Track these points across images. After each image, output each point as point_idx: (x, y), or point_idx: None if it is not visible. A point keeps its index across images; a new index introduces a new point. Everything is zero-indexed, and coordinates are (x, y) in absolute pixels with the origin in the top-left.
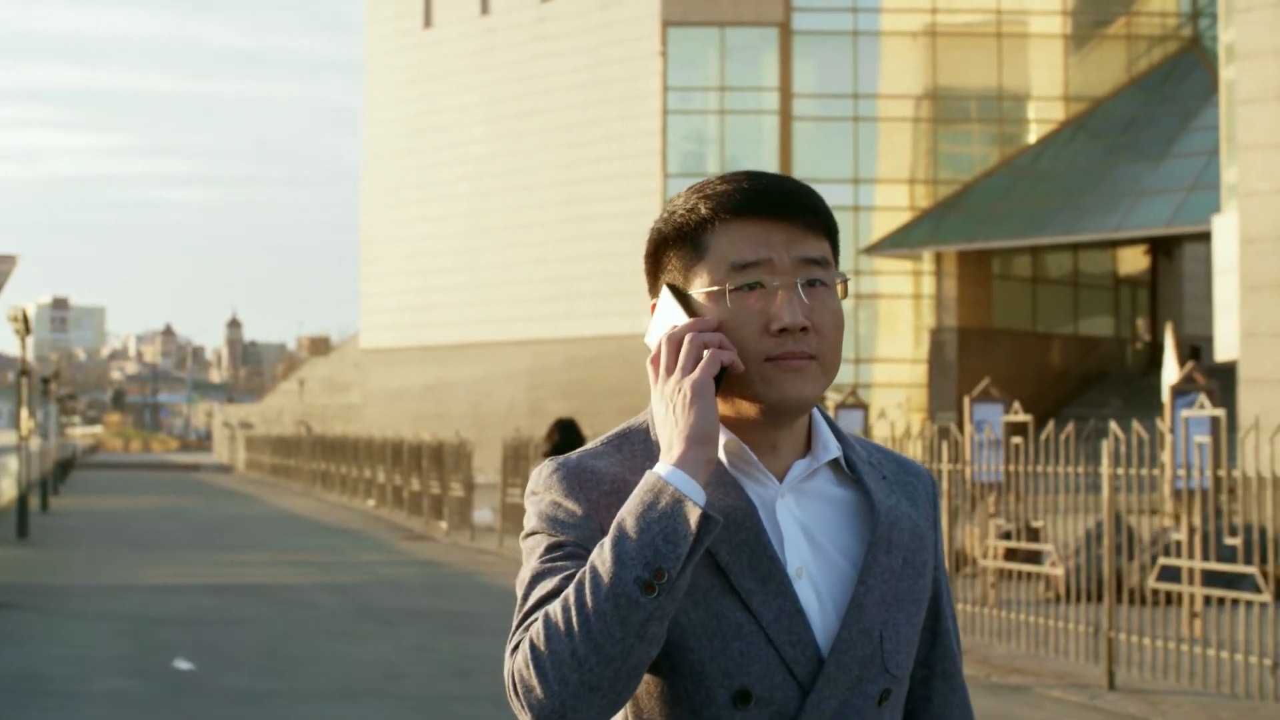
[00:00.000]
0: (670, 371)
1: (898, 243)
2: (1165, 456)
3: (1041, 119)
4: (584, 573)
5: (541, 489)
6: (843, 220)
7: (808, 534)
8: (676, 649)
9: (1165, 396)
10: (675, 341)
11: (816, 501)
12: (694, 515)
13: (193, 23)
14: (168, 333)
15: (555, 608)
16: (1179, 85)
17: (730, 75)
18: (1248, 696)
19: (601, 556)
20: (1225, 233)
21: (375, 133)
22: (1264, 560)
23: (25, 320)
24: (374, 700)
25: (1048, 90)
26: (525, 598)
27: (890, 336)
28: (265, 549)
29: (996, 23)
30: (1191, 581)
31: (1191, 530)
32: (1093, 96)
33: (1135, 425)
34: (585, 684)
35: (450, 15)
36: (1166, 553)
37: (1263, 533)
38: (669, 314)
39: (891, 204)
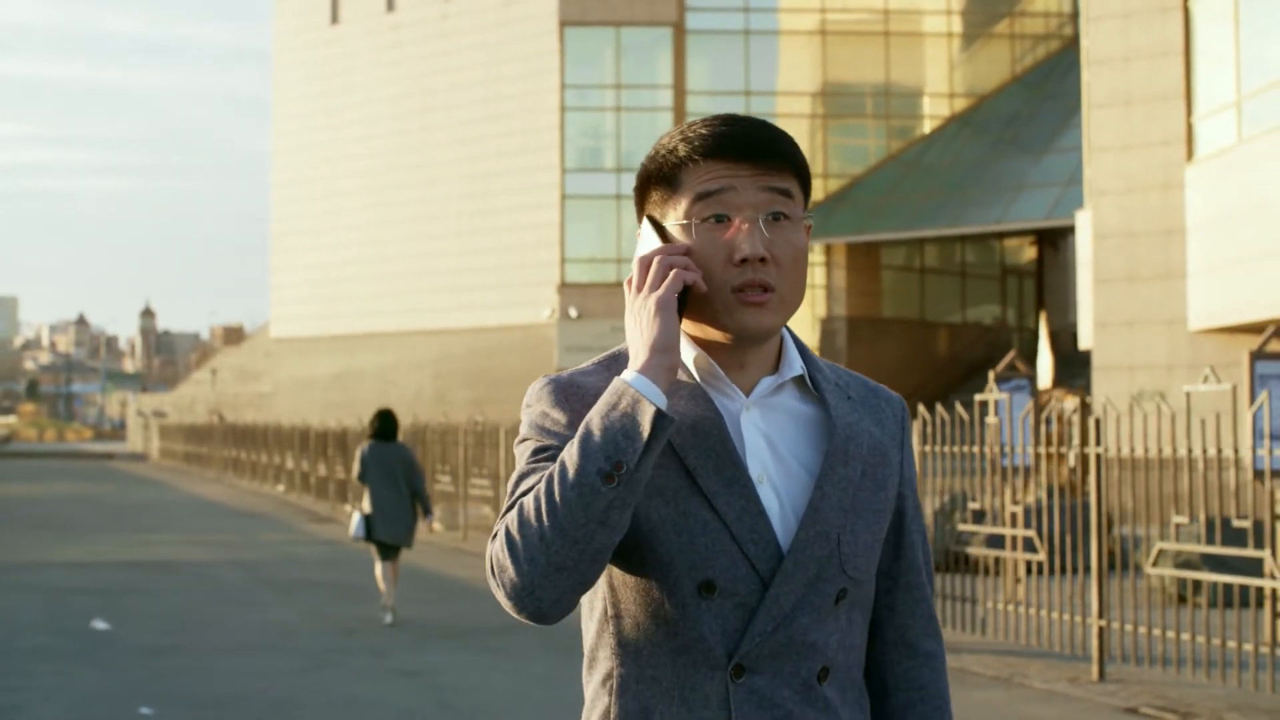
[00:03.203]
0: (640, 290)
1: None
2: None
3: (928, 115)
4: (554, 467)
5: (534, 401)
6: None
7: (770, 444)
8: (648, 543)
9: (1042, 383)
10: (645, 263)
11: (780, 415)
12: (649, 413)
13: (98, 11)
14: (81, 322)
15: (529, 499)
16: (1060, 83)
17: (626, 73)
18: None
19: (569, 452)
20: (1085, 228)
21: (284, 125)
22: (1037, 526)
23: None
24: (269, 653)
25: (935, 87)
26: (511, 493)
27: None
28: (176, 531)
29: (884, 22)
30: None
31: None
32: (978, 93)
33: (958, 408)
34: (552, 564)
35: (357, 11)
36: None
37: (1039, 503)
38: (647, 242)
39: None
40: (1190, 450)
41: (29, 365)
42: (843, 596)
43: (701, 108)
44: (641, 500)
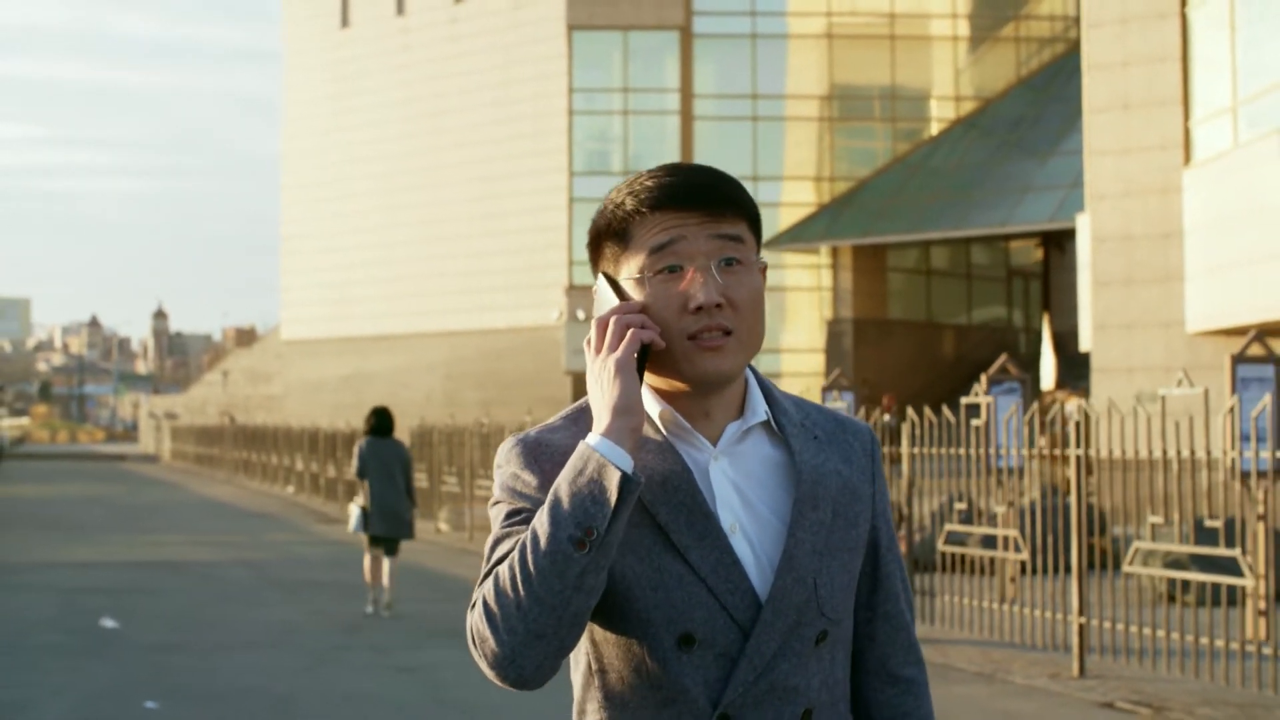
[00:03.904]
0: (599, 351)
1: (795, 237)
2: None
3: (934, 118)
4: (526, 535)
5: (504, 462)
6: None
7: (740, 493)
8: (625, 600)
9: (1045, 384)
10: (603, 324)
11: (749, 462)
12: (614, 478)
13: (109, 13)
14: (93, 324)
15: (504, 569)
16: (1065, 86)
17: (633, 77)
18: (1040, 647)
19: (540, 520)
20: (1085, 231)
21: (294, 128)
22: (1021, 526)
23: None
24: (272, 650)
25: (940, 90)
26: (487, 559)
27: (792, 328)
28: (185, 531)
29: (890, 25)
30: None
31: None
32: (984, 96)
33: (945, 410)
34: (531, 632)
35: (367, 15)
36: (965, 522)
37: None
38: (604, 299)
39: (789, 200)
40: (1165, 452)
41: (41, 367)
42: (823, 638)
43: (709, 111)
44: (616, 558)
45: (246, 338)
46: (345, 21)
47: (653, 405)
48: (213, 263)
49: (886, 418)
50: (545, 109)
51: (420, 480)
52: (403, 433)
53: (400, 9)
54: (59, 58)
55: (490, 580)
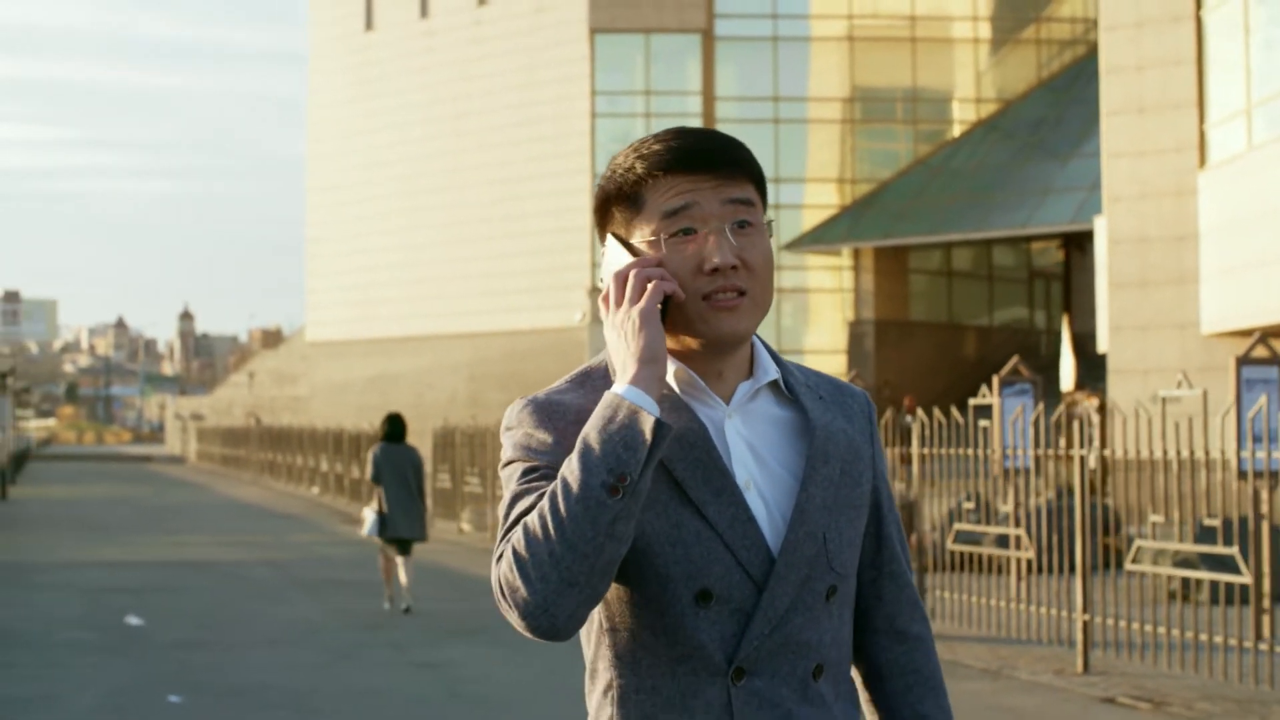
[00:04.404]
0: (619, 303)
1: (817, 239)
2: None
3: (955, 120)
4: (556, 484)
5: (515, 423)
6: None
7: (753, 450)
8: (644, 556)
9: (1065, 385)
10: (622, 277)
11: (760, 421)
12: (648, 423)
13: (137, 14)
14: (120, 325)
15: (533, 517)
16: (1085, 88)
17: (655, 80)
18: (1038, 641)
19: (570, 467)
20: (1102, 233)
21: (319, 130)
22: (1028, 526)
23: None
24: (292, 647)
25: (961, 92)
26: (507, 515)
27: (814, 329)
28: (210, 532)
29: (911, 28)
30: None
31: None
32: (1004, 98)
33: (953, 411)
34: (564, 580)
35: (391, 18)
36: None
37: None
38: (616, 258)
39: (811, 202)
40: (1165, 452)
41: (68, 368)
42: (832, 593)
43: (731, 114)
44: None
45: (273, 339)
46: (369, 24)
47: (668, 364)
48: (239, 264)
49: (909, 418)
50: (567, 111)
51: (443, 481)
52: (425, 434)
53: (424, 12)
54: (89, 61)
55: (519, 530)
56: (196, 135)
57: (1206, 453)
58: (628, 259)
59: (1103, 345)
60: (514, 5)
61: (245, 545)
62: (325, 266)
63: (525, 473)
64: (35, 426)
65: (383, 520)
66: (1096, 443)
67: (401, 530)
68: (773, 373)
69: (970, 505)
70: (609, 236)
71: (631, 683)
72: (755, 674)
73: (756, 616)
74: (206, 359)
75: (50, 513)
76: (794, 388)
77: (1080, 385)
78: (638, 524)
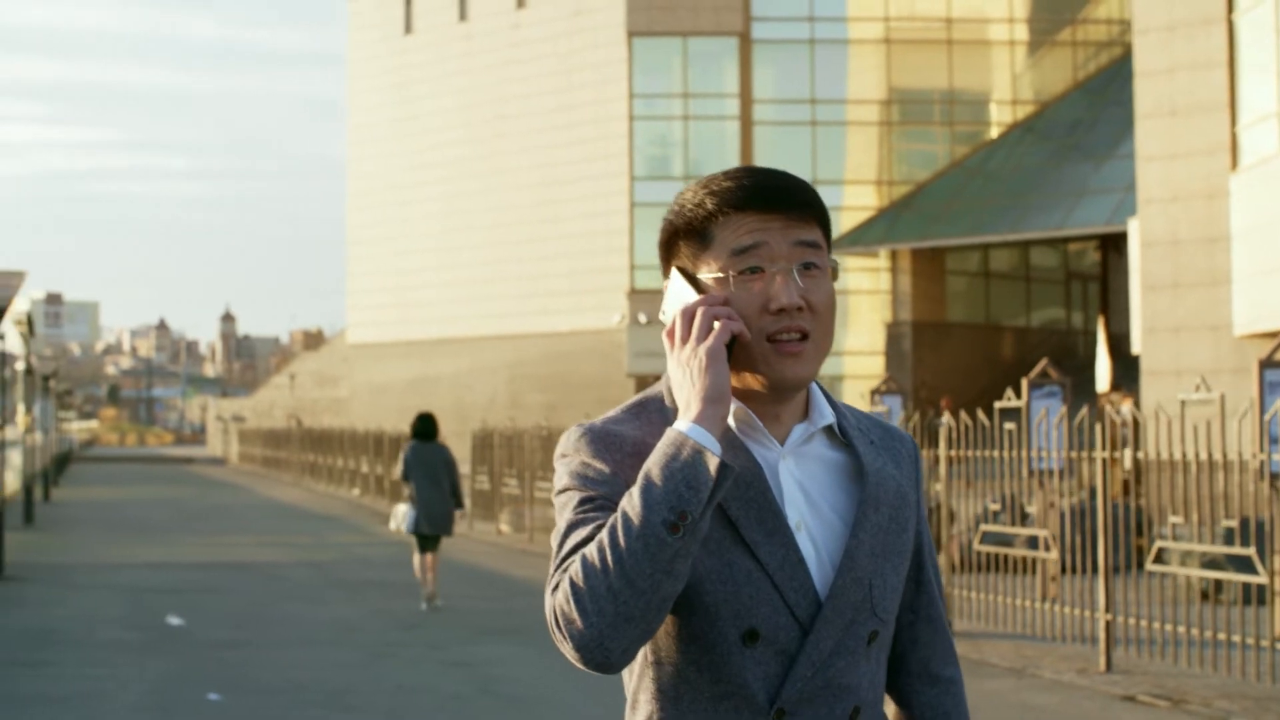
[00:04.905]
0: (685, 340)
1: (855, 241)
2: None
3: (992, 121)
4: (615, 518)
5: (571, 451)
6: None
7: (805, 492)
8: (694, 593)
9: (1100, 387)
10: (689, 314)
11: (813, 463)
12: (713, 464)
13: (177, 15)
14: (161, 327)
15: (591, 549)
16: (1121, 90)
17: (693, 82)
18: (1057, 639)
19: (631, 503)
20: (1135, 235)
21: (359, 134)
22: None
23: (29, 324)
24: (330, 646)
25: (998, 94)
26: (561, 544)
27: (852, 331)
28: (250, 533)
29: (947, 30)
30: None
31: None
32: (1041, 100)
33: (980, 415)
34: (621, 615)
35: (430, 21)
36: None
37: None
38: (680, 292)
39: (848, 204)
40: (1185, 454)
41: (110, 370)
42: (874, 638)
43: (768, 116)
44: None
45: (314, 341)
46: (408, 28)
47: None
48: (281, 266)
49: (945, 418)
50: (606, 114)
51: (481, 482)
52: (465, 436)
53: (463, 15)
54: (130, 62)
55: (577, 562)
56: (238, 137)
57: (1225, 455)
58: (692, 295)
59: (1136, 347)
60: (552, 9)
61: (285, 546)
62: (365, 268)
63: (581, 502)
64: (77, 428)
65: (415, 517)
66: (1130, 444)
67: (428, 526)
68: (829, 417)
69: (996, 507)
70: (674, 271)
71: (672, 715)
72: (796, 715)
73: (800, 659)
74: (248, 360)
75: (92, 514)
76: (848, 432)
77: (1116, 386)
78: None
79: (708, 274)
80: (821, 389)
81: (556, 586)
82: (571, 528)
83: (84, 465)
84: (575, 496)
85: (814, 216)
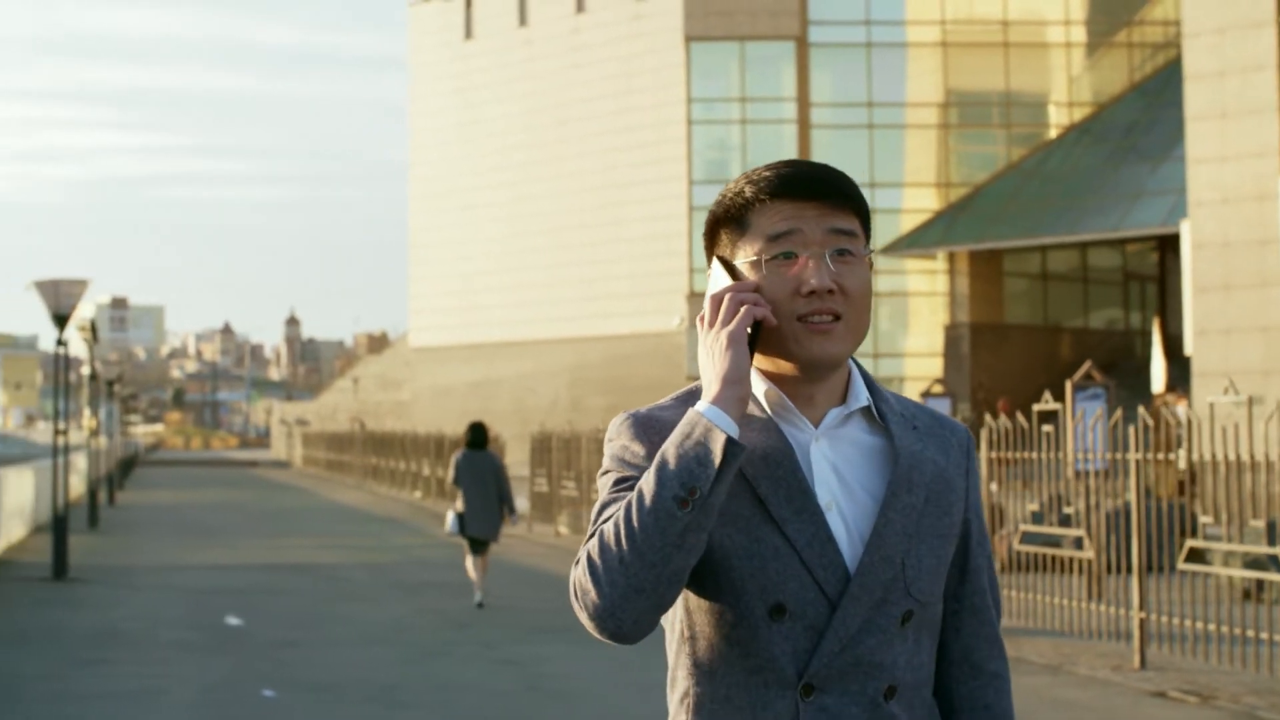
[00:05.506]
0: (712, 325)
1: (913, 243)
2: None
3: (1048, 123)
4: (633, 494)
5: (615, 435)
6: None
7: (838, 473)
8: (721, 568)
9: (1155, 388)
10: (717, 300)
11: (847, 445)
12: (720, 440)
13: (244, 21)
14: (226, 331)
15: (609, 525)
16: (1177, 91)
17: (750, 87)
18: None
19: (647, 479)
20: (1187, 237)
21: (421, 139)
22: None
23: (93, 330)
24: (384, 646)
25: (1055, 96)
26: (594, 521)
27: (910, 333)
28: (312, 535)
29: (1004, 33)
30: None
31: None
32: (1097, 101)
33: (1020, 417)
34: (632, 586)
35: (490, 27)
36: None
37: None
38: (718, 280)
39: (906, 207)
40: (1214, 455)
41: (175, 374)
42: (909, 618)
43: (825, 119)
44: (715, 528)
45: (378, 344)
46: (469, 34)
47: (759, 384)
48: (346, 269)
49: (1000, 418)
50: (664, 118)
51: (540, 485)
52: (525, 439)
53: (523, 20)
54: (196, 67)
55: (596, 536)
56: (302, 141)
57: (1252, 456)
58: (727, 282)
59: (1188, 348)
60: (611, 14)
61: (345, 548)
62: (428, 272)
63: (616, 483)
64: (143, 432)
65: (461, 520)
66: (1185, 445)
67: (477, 530)
68: (864, 399)
69: (1034, 507)
70: (714, 260)
71: (707, 691)
72: (825, 691)
73: (828, 634)
74: (313, 364)
75: (156, 517)
76: (885, 415)
77: (1171, 388)
78: (717, 537)
79: (743, 260)
80: (865, 374)
81: (579, 560)
82: (604, 506)
83: (149, 469)
84: (612, 477)
85: (850, 206)
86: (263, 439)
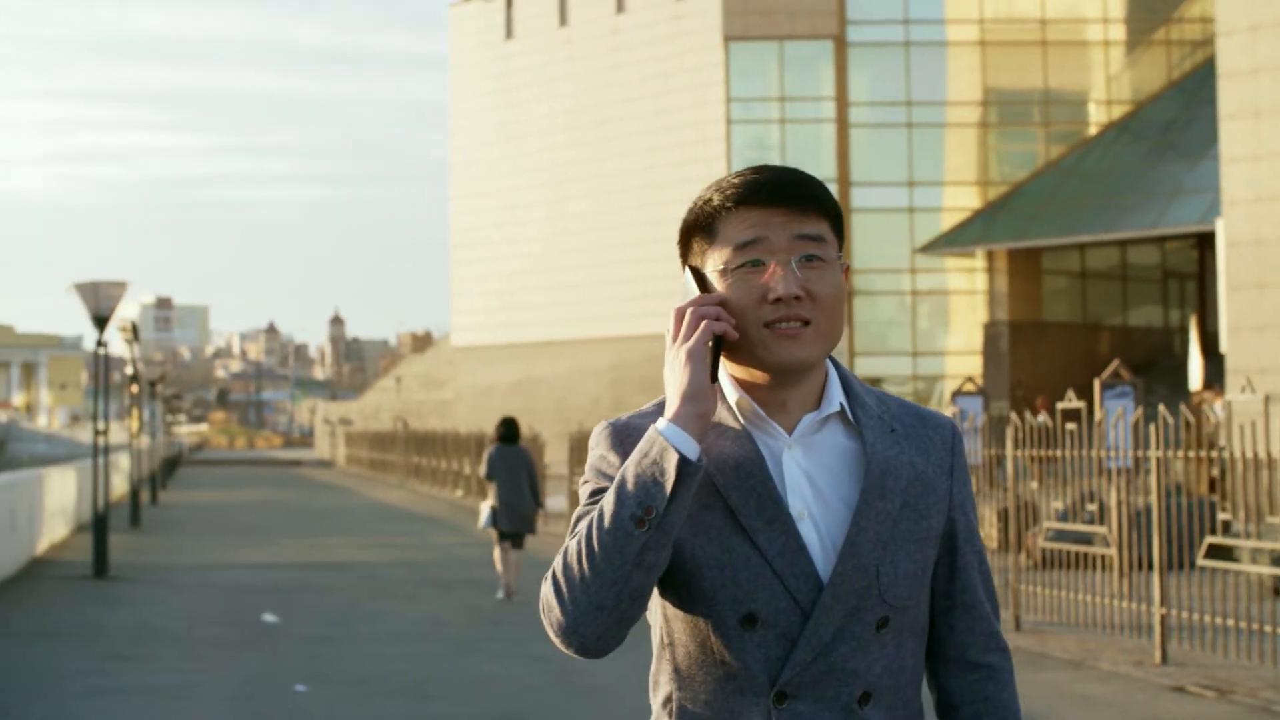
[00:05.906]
0: (675, 340)
1: (951, 242)
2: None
3: (1086, 121)
4: (594, 512)
5: (594, 444)
6: (898, 221)
7: (811, 481)
8: (694, 578)
9: (1193, 385)
10: (679, 315)
11: (823, 452)
12: (673, 460)
13: (286, 21)
14: (271, 330)
15: (572, 543)
16: (1215, 89)
17: (789, 86)
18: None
19: (607, 498)
20: (1222, 236)
21: (461, 139)
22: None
23: (134, 331)
24: (417, 641)
25: (1093, 94)
26: (571, 529)
27: (950, 331)
28: (352, 534)
29: (1042, 31)
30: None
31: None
32: (1136, 99)
33: (1041, 414)
34: (593, 604)
35: (530, 27)
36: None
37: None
38: (689, 292)
39: (945, 205)
40: (1232, 452)
41: (220, 373)
42: (884, 624)
43: (864, 119)
44: (686, 538)
45: (421, 343)
46: (510, 33)
47: (732, 393)
48: (390, 268)
49: (1041, 417)
50: (704, 118)
51: (576, 484)
52: (566, 439)
53: (563, 20)
54: (239, 68)
55: (561, 554)
56: (343, 140)
57: (1269, 454)
58: (697, 294)
59: (1224, 346)
60: (651, 14)
61: (385, 547)
62: (470, 272)
63: (592, 493)
64: (187, 432)
65: (494, 514)
66: (1222, 442)
67: (511, 524)
68: (836, 404)
69: (1059, 505)
70: (686, 270)
71: (686, 695)
72: (798, 698)
73: (800, 643)
74: (357, 363)
75: (198, 516)
76: (860, 419)
77: (1209, 385)
78: (689, 547)
79: (713, 268)
80: (845, 377)
81: (547, 575)
82: (578, 519)
83: (192, 468)
84: (589, 487)
85: (818, 211)
86: (307, 439)
